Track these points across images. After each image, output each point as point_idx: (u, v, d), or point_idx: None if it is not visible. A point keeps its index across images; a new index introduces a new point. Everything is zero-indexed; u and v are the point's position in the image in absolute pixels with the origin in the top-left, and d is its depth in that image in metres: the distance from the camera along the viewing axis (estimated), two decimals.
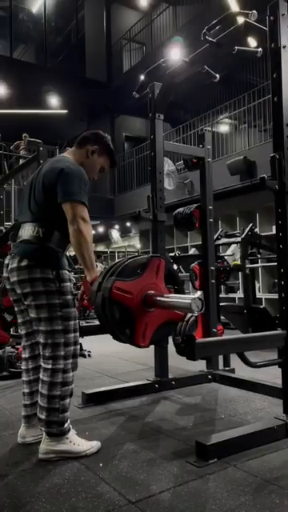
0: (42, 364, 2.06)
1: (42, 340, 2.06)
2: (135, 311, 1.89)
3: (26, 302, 2.08)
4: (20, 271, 2.03)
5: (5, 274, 2.16)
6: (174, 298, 1.87)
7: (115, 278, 1.88)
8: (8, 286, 2.17)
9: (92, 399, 2.92)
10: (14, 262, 2.07)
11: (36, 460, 2.02)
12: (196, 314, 1.70)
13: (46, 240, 2.05)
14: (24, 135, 10.36)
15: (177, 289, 2.08)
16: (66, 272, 2.09)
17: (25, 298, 2.06)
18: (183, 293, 2.14)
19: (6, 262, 2.14)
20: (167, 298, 1.89)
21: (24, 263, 2.02)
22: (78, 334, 2.12)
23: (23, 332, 2.22)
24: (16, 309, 2.21)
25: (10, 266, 2.09)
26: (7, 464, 2.00)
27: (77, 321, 2.12)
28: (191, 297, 1.75)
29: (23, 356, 2.25)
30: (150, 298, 1.90)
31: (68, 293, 2.07)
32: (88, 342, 4.61)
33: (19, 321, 2.23)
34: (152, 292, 1.92)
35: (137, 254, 15.11)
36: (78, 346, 2.15)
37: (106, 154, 2.27)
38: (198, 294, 1.79)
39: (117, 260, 2.08)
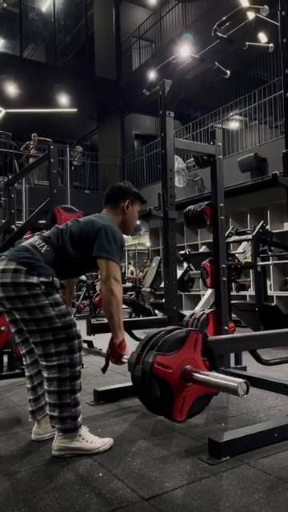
0: (45, 363, 2.02)
1: (39, 339, 2.01)
2: (174, 386, 1.88)
3: (8, 306, 2.03)
4: (4, 274, 1.98)
5: None
6: (218, 378, 1.84)
7: (156, 352, 1.87)
8: None
9: (104, 396, 2.93)
10: (0, 264, 2.02)
11: (49, 457, 2.03)
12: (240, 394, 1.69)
13: (42, 256, 2.04)
14: (33, 135, 10.44)
15: (212, 364, 2.06)
16: (51, 281, 2.03)
17: (9, 301, 2.00)
18: (217, 367, 2.11)
19: None
20: (211, 377, 1.85)
21: (11, 266, 1.97)
22: (77, 327, 2.09)
23: (13, 330, 2.21)
24: (1, 309, 2.18)
25: None
26: (21, 460, 2.02)
27: (72, 316, 2.09)
28: (238, 380, 1.73)
29: (21, 352, 2.25)
30: (188, 373, 1.89)
31: (54, 293, 2.02)
32: (99, 340, 4.62)
33: (7, 319, 2.20)
34: (190, 367, 1.91)
35: (147, 252, 15.10)
36: (82, 339, 2.15)
37: (136, 199, 2.42)
38: (242, 381, 1.74)
39: (154, 331, 2.06)
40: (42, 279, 1.97)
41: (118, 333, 2.12)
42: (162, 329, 2.03)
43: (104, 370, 2.24)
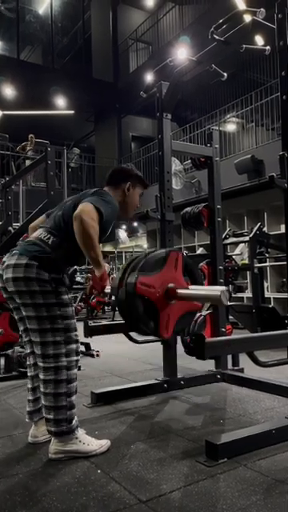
0: (42, 364, 2.02)
1: (39, 339, 2.02)
2: (158, 304, 1.93)
3: (18, 301, 2.05)
4: (16, 268, 1.99)
5: None
6: (201, 289, 1.91)
7: (138, 272, 1.89)
8: (0, 285, 2.13)
9: (101, 399, 2.93)
10: (12, 258, 2.03)
11: (46, 459, 2.03)
12: (225, 304, 1.74)
13: (51, 249, 2.05)
14: (30, 136, 10.42)
15: (193, 281, 2.11)
16: (61, 278, 2.06)
17: (19, 296, 2.02)
18: (200, 283, 2.18)
19: (4, 259, 2.11)
20: (195, 289, 1.92)
21: (23, 261, 1.99)
22: (77, 332, 2.10)
23: (21, 328, 2.20)
24: (11, 306, 2.20)
25: (6, 263, 2.05)
26: (18, 463, 2.01)
27: (75, 320, 2.10)
28: (220, 288, 1.78)
29: (26, 352, 2.26)
30: (171, 290, 1.93)
31: (64, 293, 2.05)
32: (96, 342, 4.62)
33: (16, 317, 2.21)
34: (173, 285, 1.95)
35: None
36: (79, 344, 2.15)
37: (138, 183, 2.39)
38: (224, 288, 1.81)
39: (134, 256, 2.09)
40: (52, 275, 2.00)
41: (97, 266, 2.04)
42: (141, 252, 2.07)
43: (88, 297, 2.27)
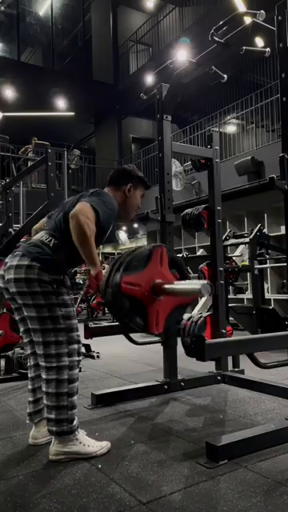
0: (45, 363, 2.03)
1: (41, 339, 2.02)
2: (146, 301, 1.92)
3: (20, 301, 2.05)
4: (18, 269, 2.00)
5: (0, 272, 2.14)
6: (183, 284, 1.90)
7: (122, 272, 1.89)
8: (1, 285, 2.14)
9: (101, 400, 2.92)
10: (14, 259, 2.05)
11: (46, 461, 2.02)
12: (206, 297, 1.76)
13: (52, 251, 2.06)
14: (34, 138, 10.45)
15: (181, 274, 2.10)
16: (62, 279, 2.06)
17: (20, 297, 2.03)
18: (188, 277, 2.16)
19: (6, 260, 2.12)
20: (175, 285, 1.92)
21: (24, 262, 2.00)
22: (79, 332, 2.11)
23: (22, 329, 2.21)
24: (12, 306, 2.21)
25: (8, 264, 2.07)
26: (18, 464, 2.01)
27: (76, 320, 2.11)
28: (200, 282, 1.78)
29: (26, 353, 2.27)
30: (158, 286, 1.93)
31: (65, 293, 2.06)
32: (96, 344, 4.62)
33: (17, 318, 2.22)
34: (159, 281, 1.95)
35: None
36: (81, 345, 2.15)
37: (140, 184, 2.39)
38: (205, 282, 1.82)
39: (119, 255, 2.08)
40: (53, 277, 2.01)
41: (93, 265, 2.03)
42: (125, 250, 2.05)
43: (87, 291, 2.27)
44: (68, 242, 2.05)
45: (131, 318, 1.92)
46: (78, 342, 2.09)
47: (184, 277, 2.11)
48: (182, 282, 1.97)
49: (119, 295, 1.87)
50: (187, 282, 1.93)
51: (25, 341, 2.24)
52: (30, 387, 2.25)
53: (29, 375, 2.26)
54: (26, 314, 2.07)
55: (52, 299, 2.01)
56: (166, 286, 1.92)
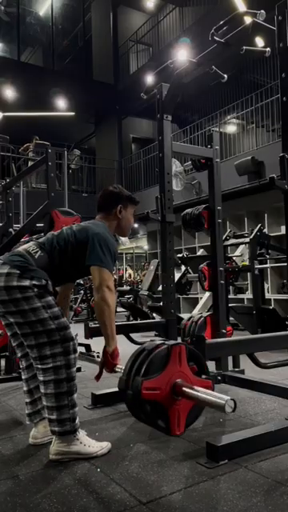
0: (41, 365, 2.02)
1: (34, 341, 2.01)
2: (166, 404, 1.89)
3: (1, 310, 2.04)
4: None
5: None
6: (206, 394, 1.84)
7: (142, 378, 1.87)
8: None
9: (101, 400, 2.92)
10: None
11: (47, 461, 2.02)
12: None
13: (35, 262, 2.06)
14: (35, 137, 10.44)
15: (200, 368, 2.06)
16: (45, 285, 2.05)
17: (2, 305, 2.02)
18: (207, 372, 2.10)
19: None
20: (199, 392, 1.86)
21: (4, 270, 1.99)
22: (70, 330, 2.09)
23: (9, 333, 2.21)
24: None
25: None
26: (18, 464, 2.01)
27: (65, 318, 2.10)
28: (225, 398, 1.73)
29: (18, 355, 2.26)
30: (178, 387, 1.89)
31: (47, 295, 2.03)
32: (96, 343, 4.61)
33: (3, 323, 2.21)
34: (179, 381, 1.91)
35: (144, 255, 15.10)
36: (76, 341, 2.15)
37: (129, 202, 2.40)
38: (229, 398, 1.75)
39: (136, 350, 2.04)
40: (34, 282, 1.99)
41: (111, 341, 2.14)
42: (145, 346, 2.00)
43: (97, 377, 2.25)
44: (53, 259, 2.10)
45: (152, 421, 1.90)
46: (72, 338, 2.08)
47: (202, 371, 2.06)
48: (204, 390, 1.90)
49: (140, 401, 1.85)
50: (210, 392, 1.86)
51: (13, 344, 2.25)
52: (25, 389, 2.25)
53: (23, 377, 2.25)
54: (12, 320, 2.06)
55: (35, 303, 1.98)
56: (188, 391, 1.87)
